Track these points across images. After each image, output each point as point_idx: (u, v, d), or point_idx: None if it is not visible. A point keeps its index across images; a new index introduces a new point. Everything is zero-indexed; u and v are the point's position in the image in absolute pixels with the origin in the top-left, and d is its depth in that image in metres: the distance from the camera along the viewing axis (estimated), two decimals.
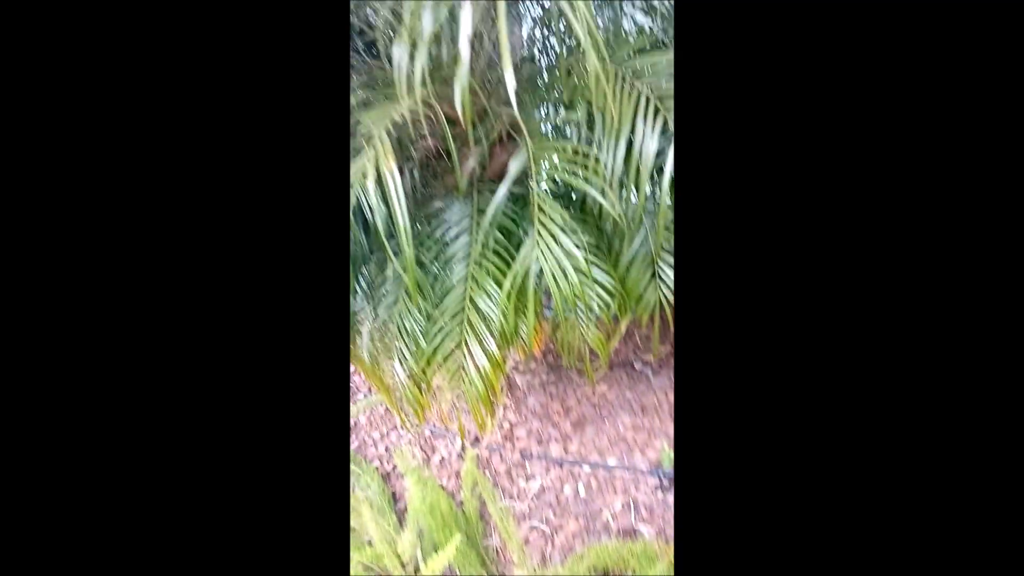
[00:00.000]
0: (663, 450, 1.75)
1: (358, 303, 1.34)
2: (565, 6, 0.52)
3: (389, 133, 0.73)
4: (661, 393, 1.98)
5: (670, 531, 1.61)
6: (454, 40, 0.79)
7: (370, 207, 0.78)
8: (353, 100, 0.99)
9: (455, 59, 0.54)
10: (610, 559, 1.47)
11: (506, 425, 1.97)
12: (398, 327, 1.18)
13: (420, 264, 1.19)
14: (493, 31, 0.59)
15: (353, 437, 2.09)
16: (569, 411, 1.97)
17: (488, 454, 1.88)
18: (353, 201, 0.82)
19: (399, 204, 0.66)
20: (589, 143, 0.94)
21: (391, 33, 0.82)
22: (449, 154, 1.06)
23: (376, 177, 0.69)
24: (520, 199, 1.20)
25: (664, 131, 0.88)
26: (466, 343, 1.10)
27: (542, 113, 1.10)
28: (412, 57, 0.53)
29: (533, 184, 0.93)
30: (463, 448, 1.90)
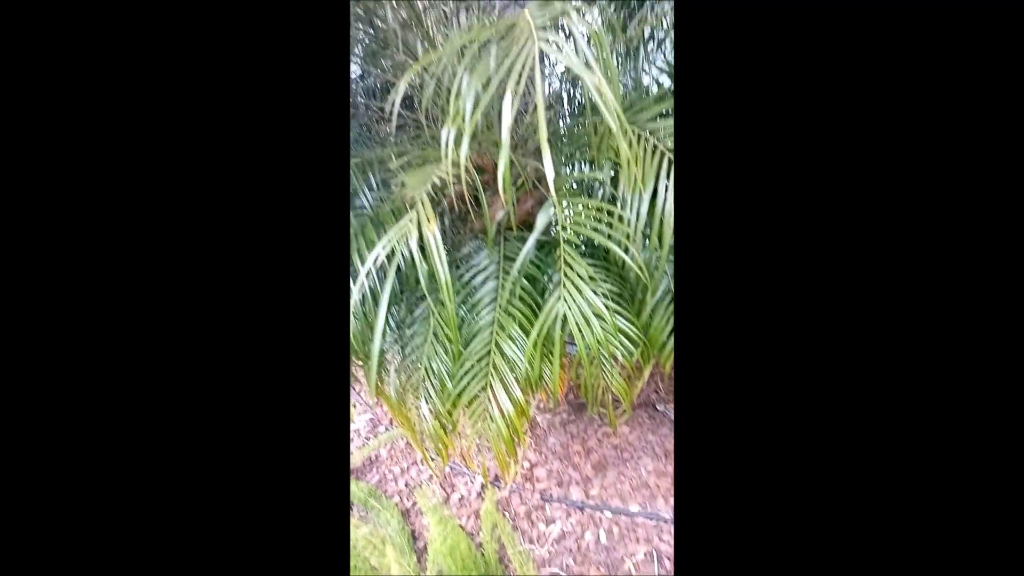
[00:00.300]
0: None
1: (387, 342, 1.39)
2: (587, 75, 0.58)
3: (430, 196, 0.79)
4: None
5: None
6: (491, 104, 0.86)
7: (410, 259, 0.84)
8: (395, 159, 1.07)
9: (486, 118, 0.60)
10: None
11: (526, 464, 1.95)
12: (426, 368, 1.22)
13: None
14: (521, 87, 0.64)
15: (374, 471, 2.11)
16: (590, 452, 1.95)
17: (508, 494, 1.86)
18: (387, 249, 0.88)
19: (442, 264, 0.72)
20: (613, 200, 0.99)
21: (426, 90, 0.90)
22: (479, 201, 1.12)
23: (418, 237, 0.75)
24: (544, 245, 1.25)
25: None
26: (491, 387, 1.13)
27: (567, 170, 1.16)
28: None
29: (560, 238, 0.98)
30: (483, 487, 1.89)
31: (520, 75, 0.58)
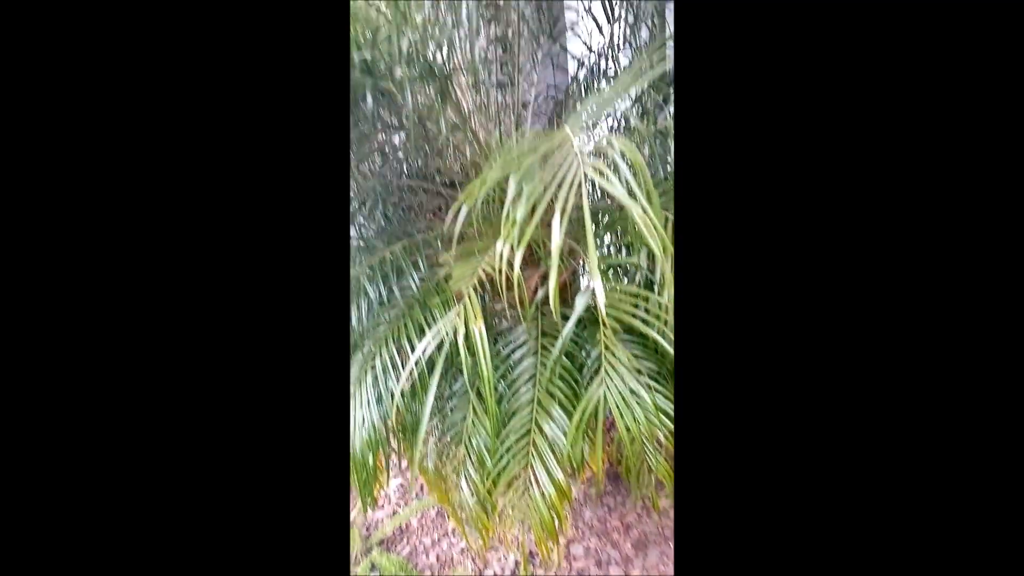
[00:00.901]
0: None
1: (426, 414, 1.42)
2: (632, 205, 0.63)
3: (477, 291, 0.85)
4: None
5: None
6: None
7: (454, 349, 0.88)
8: (441, 245, 1.16)
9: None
10: None
11: (562, 540, 1.87)
12: (466, 444, 1.23)
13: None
14: (569, 208, 0.69)
15: (404, 542, 2.06)
16: (629, 528, 1.86)
17: (543, 573, 1.78)
18: (436, 340, 0.93)
19: (486, 359, 0.76)
20: (649, 284, 1.02)
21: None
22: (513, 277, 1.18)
23: (464, 332, 0.80)
24: (580, 321, 1.28)
25: None
26: (532, 467, 1.13)
27: (604, 251, 1.22)
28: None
29: (601, 323, 1.01)
30: (517, 565, 1.81)
31: (567, 198, 0.64)
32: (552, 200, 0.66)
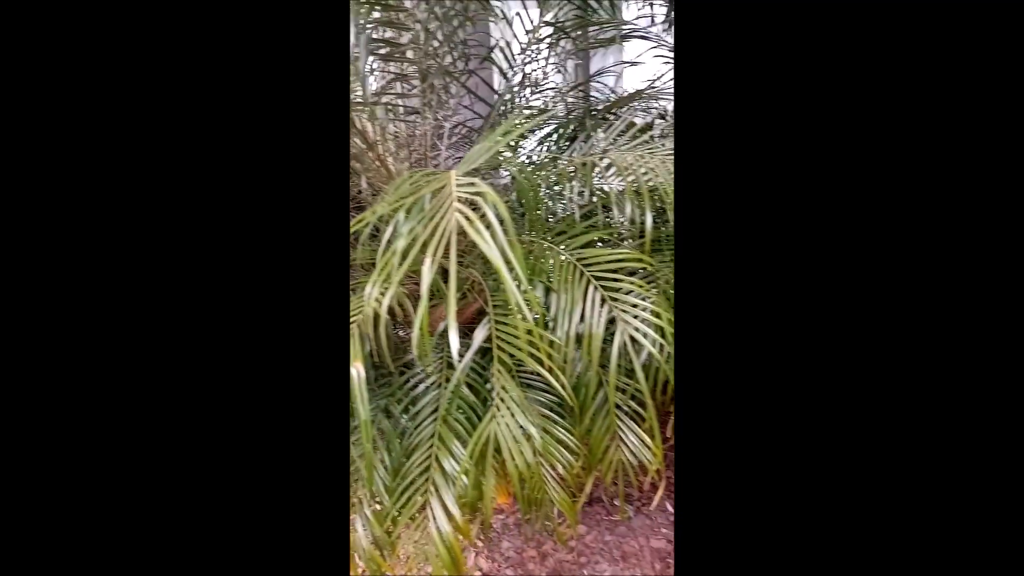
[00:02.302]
0: None
1: None
2: (493, 258, 0.65)
3: (360, 330, 0.82)
4: (643, 537, 1.88)
5: None
6: None
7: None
8: None
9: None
10: None
11: (478, 574, 1.83)
12: (366, 482, 1.18)
13: (389, 415, 1.23)
14: (439, 254, 0.70)
15: None
16: (545, 557, 1.85)
17: None
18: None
19: (363, 405, 0.73)
20: (547, 325, 1.05)
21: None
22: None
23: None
24: (488, 352, 1.28)
25: (610, 312, 1.01)
26: (430, 505, 1.10)
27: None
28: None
29: (496, 358, 1.02)
30: None
31: (439, 244, 0.65)
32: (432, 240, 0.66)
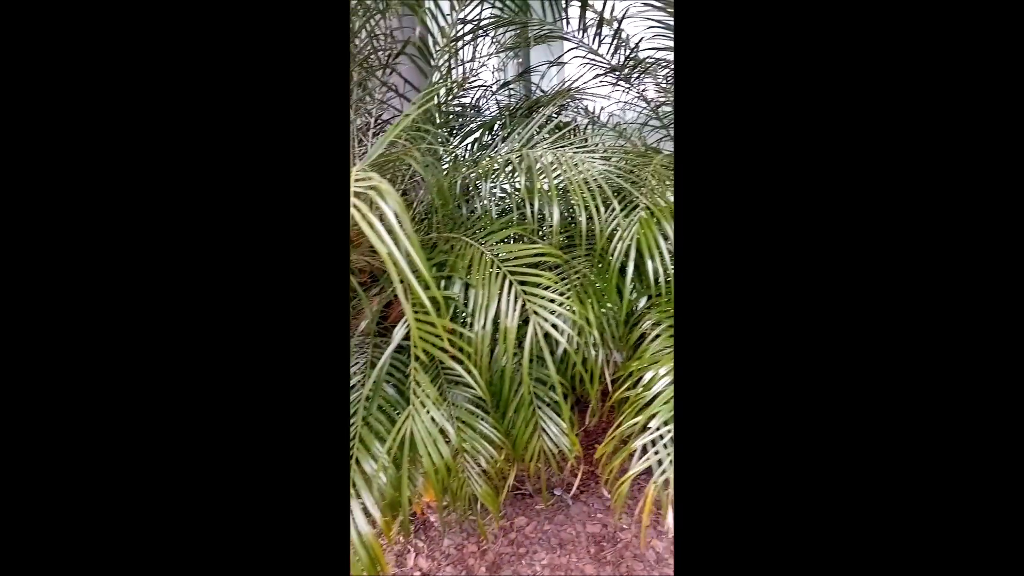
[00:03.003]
0: None
1: None
2: (382, 251, 0.65)
3: None
4: (579, 524, 1.95)
5: None
6: None
7: None
8: None
9: None
10: None
11: (418, 574, 1.82)
12: None
13: None
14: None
15: None
16: (485, 552, 1.87)
17: None
18: None
19: None
20: (464, 321, 1.06)
21: None
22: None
23: None
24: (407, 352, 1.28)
25: (523, 311, 1.03)
26: (350, 508, 1.08)
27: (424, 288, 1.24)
28: None
29: (413, 356, 1.01)
30: None
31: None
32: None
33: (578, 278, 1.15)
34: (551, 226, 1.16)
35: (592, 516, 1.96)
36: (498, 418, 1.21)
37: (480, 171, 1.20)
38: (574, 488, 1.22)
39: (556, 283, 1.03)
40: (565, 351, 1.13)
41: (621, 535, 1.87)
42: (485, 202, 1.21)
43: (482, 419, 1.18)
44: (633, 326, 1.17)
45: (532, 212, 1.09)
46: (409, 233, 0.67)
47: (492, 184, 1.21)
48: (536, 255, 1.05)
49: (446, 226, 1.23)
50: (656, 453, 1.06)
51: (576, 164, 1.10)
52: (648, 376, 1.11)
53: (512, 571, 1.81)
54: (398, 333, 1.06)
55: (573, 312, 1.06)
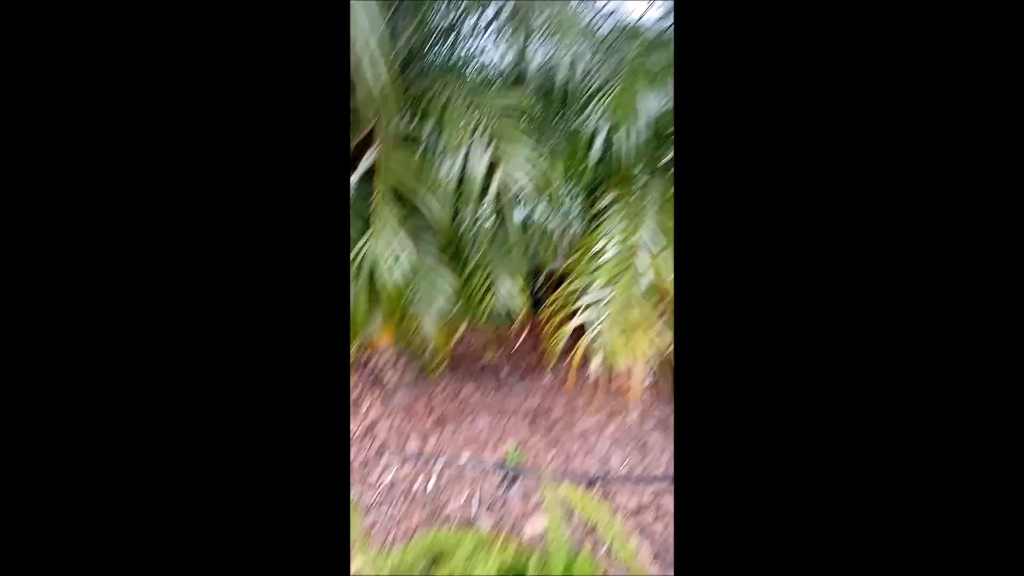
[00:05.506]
0: (509, 449, 1.92)
1: None
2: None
3: None
4: (519, 398, 2.16)
5: (507, 522, 1.76)
6: None
7: None
8: None
9: None
10: (445, 545, 1.58)
11: (369, 418, 2.01)
12: None
13: None
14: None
15: None
16: (432, 410, 2.07)
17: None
18: None
19: None
20: (433, 154, 1.08)
21: None
22: None
23: None
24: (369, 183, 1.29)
25: (494, 155, 1.06)
26: None
27: (398, 123, 1.23)
28: None
29: (378, 183, 1.04)
30: None
31: None
32: None
33: (550, 142, 1.17)
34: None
35: (533, 393, 2.17)
36: (457, 271, 1.29)
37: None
38: (516, 345, 1.33)
39: (526, 134, 1.05)
40: (528, 215, 1.18)
41: (555, 412, 2.09)
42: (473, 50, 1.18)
43: (443, 270, 1.25)
44: (596, 199, 1.22)
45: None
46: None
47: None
48: (510, 104, 1.05)
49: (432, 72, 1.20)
50: (593, 312, 1.16)
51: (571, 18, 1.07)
52: (598, 246, 1.18)
53: (455, 426, 2.03)
54: (363, 164, 1.08)
55: (543, 173, 1.09)
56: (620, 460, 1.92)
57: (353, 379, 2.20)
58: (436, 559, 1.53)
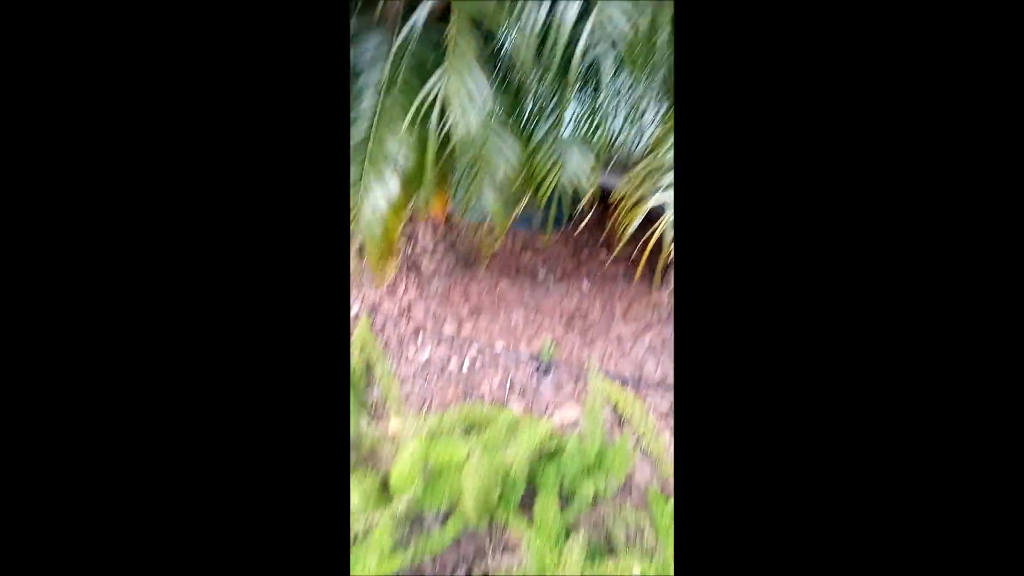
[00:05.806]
0: (544, 342, 1.94)
1: None
2: None
3: None
4: (556, 299, 2.14)
5: (538, 408, 1.84)
6: None
7: None
8: None
9: None
10: (479, 418, 1.65)
11: (406, 301, 2.03)
12: None
13: None
14: None
15: None
16: (468, 299, 2.08)
17: (383, 323, 1.95)
18: None
19: None
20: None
21: None
22: None
23: None
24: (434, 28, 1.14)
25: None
26: (367, 180, 1.10)
27: None
28: None
29: (453, 17, 0.90)
30: (356, 314, 1.94)
31: None
32: None
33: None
34: None
35: (571, 295, 2.15)
36: (524, 141, 1.18)
37: None
38: (579, 209, 1.20)
39: None
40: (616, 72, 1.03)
41: (592, 316, 2.08)
42: None
43: (508, 134, 1.14)
44: None
45: None
46: None
47: None
48: None
49: None
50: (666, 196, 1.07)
51: None
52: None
53: (490, 317, 2.04)
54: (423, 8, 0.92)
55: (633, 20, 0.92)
56: (654, 367, 1.94)
57: (391, 264, 2.19)
58: (469, 429, 1.62)
